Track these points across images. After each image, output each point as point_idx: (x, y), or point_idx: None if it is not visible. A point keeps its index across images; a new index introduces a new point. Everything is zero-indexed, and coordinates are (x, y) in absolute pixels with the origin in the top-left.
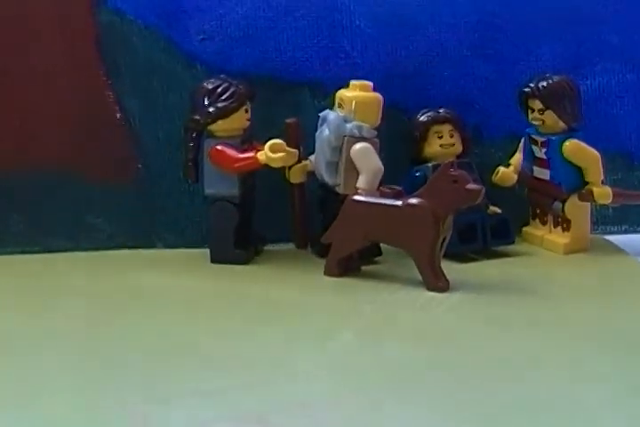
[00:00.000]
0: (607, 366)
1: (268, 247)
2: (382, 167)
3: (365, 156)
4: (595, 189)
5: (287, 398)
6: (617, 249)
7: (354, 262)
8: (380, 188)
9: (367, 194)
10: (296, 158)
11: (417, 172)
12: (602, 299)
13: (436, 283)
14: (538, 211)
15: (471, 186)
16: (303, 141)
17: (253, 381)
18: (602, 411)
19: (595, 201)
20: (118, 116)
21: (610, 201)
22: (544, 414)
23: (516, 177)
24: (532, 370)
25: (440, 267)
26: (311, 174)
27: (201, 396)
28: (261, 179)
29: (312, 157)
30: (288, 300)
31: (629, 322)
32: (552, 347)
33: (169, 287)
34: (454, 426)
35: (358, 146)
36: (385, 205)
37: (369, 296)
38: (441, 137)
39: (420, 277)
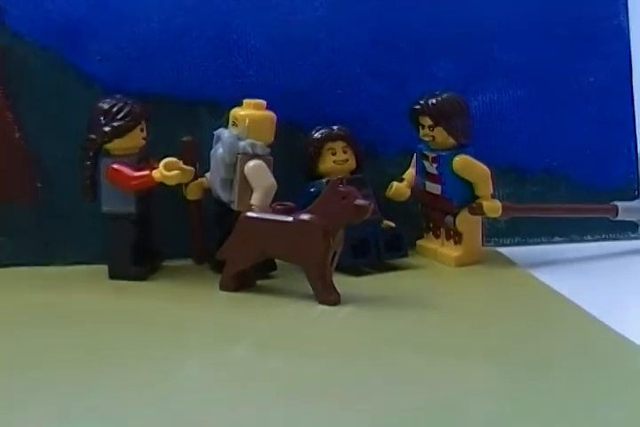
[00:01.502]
0: (493, 380)
1: (167, 263)
2: (275, 184)
3: (258, 173)
4: (484, 203)
5: (176, 413)
6: (508, 261)
7: (249, 277)
8: (272, 204)
9: (260, 210)
10: (192, 176)
11: (311, 188)
12: (491, 310)
13: (327, 296)
14: (431, 224)
15: (359, 202)
16: (199, 159)
17: (144, 396)
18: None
19: (484, 215)
20: (17, 135)
21: (499, 215)
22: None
23: (409, 192)
24: (418, 383)
25: (331, 281)
26: (208, 191)
27: (96, 413)
28: (160, 196)
29: (208, 175)
30: (182, 314)
31: (516, 334)
32: (438, 360)
33: (66, 304)
34: None
35: (251, 163)
36: (276, 220)
37: (262, 310)
38: (334, 153)
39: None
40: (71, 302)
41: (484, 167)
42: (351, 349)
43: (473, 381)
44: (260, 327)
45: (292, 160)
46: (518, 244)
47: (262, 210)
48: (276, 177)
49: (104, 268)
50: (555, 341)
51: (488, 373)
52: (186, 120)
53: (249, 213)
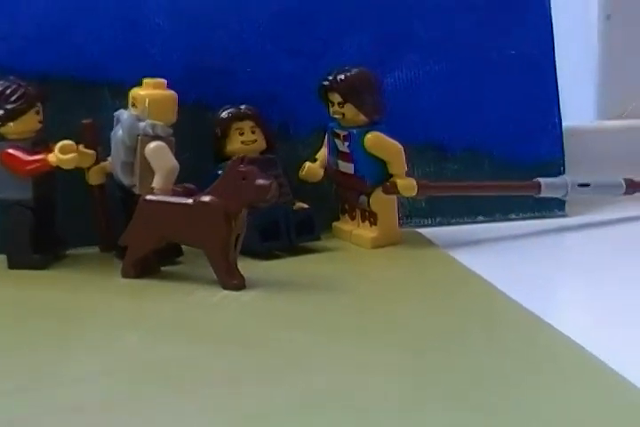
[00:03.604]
0: (395, 361)
1: (73, 251)
2: (177, 166)
3: (160, 155)
4: (398, 182)
5: (60, 401)
6: (427, 242)
7: (152, 263)
8: (173, 186)
9: (161, 193)
10: (92, 160)
11: (219, 169)
12: (402, 293)
13: (230, 281)
14: (346, 206)
15: (260, 181)
16: (101, 142)
17: (28, 385)
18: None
19: (399, 194)
20: None
21: (415, 193)
22: (319, 411)
23: (322, 172)
24: (314, 367)
25: (235, 264)
26: (111, 175)
27: None
28: (62, 181)
29: (110, 158)
30: (79, 303)
31: (425, 315)
32: (339, 344)
33: None
34: (230, 423)
35: (152, 145)
36: (176, 203)
37: (163, 297)
38: (242, 134)
39: None
40: None
41: (397, 144)
42: (248, 334)
43: (374, 364)
44: (157, 315)
45: (200, 141)
46: (440, 224)
47: (164, 193)
48: (182, 159)
49: (3, 257)
50: (464, 320)
51: (390, 355)
52: (88, 102)
53: (148, 197)
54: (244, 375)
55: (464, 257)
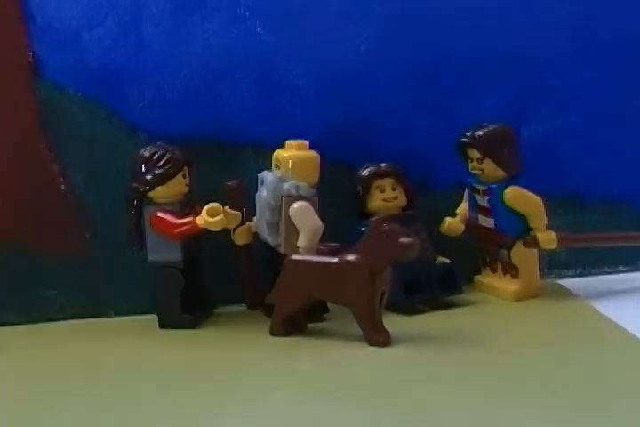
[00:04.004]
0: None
1: (221, 309)
2: (321, 225)
3: (304, 215)
4: (539, 235)
5: None
6: (568, 293)
7: (299, 321)
8: (317, 245)
9: (307, 253)
10: (238, 221)
11: (362, 227)
12: (547, 347)
13: (377, 337)
14: (487, 259)
15: (404, 239)
16: (246, 203)
17: None
18: None
19: (539, 247)
20: (63, 187)
21: (555, 246)
22: None
23: (462, 226)
24: None
25: (381, 321)
26: (256, 235)
27: None
28: (210, 241)
29: (255, 218)
30: (230, 362)
31: (578, 375)
32: (494, 405)
33: (116, 355)
34: None
35: (296, 205)
36: (322, 262)
37: (311, 354)
38: (383, 191)
39: None
40: (117, 353)
41: (536, 198)
42: (396, 394)
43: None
44: (305, 372)
45: (342, 199)
46: (581, 275)
47: (309, 252)
48: (326, 217)
49: (155, 317)
50: (609, 378)
51: (545, 421)
52: (231, 164)
53: (294, 257)
54: None
55: (607, 309)
